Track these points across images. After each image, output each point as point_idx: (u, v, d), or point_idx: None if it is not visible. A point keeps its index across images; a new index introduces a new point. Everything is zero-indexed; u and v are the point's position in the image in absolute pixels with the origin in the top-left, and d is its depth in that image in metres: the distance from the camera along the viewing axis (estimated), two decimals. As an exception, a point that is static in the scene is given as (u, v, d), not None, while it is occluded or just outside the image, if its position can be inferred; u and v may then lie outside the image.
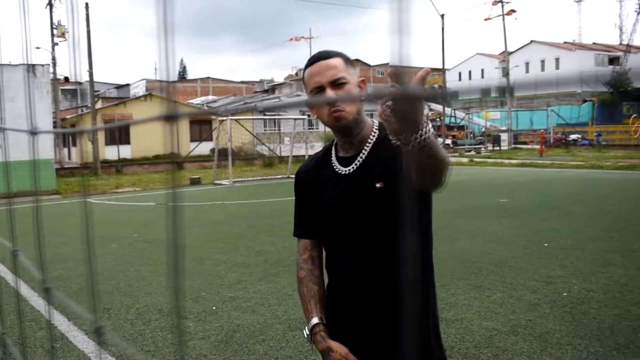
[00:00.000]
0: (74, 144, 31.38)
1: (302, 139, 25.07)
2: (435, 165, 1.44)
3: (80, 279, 6.42)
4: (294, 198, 2.00)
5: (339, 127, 1.76)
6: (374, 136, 1.81)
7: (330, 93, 1.71)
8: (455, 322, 4.68)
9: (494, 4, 36.31)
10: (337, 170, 1.83)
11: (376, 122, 1.84)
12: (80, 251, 7.84)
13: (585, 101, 44.66)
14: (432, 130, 1.34)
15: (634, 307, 4.91)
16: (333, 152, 1.89)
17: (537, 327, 4.50)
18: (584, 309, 4.92)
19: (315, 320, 1.84)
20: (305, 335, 1.88)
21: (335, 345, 1.79)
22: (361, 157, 1.80)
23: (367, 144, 1.80)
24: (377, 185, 1.73)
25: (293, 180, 2.02)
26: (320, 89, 1.73)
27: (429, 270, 1.82)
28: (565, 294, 5.35)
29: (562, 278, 5.85)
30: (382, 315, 1.75)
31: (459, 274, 6.10)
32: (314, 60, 1.76)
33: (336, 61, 1.75)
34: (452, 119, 42.29)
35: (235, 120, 24.17)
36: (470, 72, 67.28)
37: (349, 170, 1.80)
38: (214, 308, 5.21)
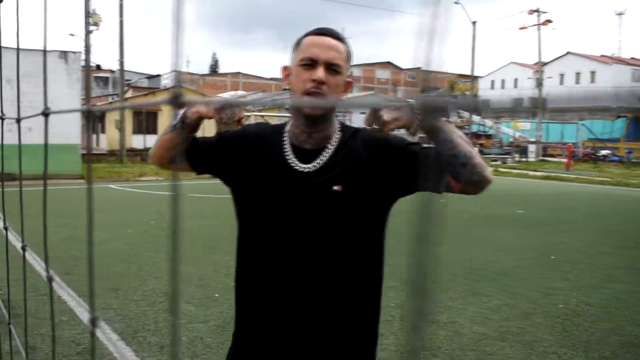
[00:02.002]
0: (103, 131, 32.03)
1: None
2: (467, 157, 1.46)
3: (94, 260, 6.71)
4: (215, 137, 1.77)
5: (313, 114, 1.60)
6: (337, 137, 1.66)
7: (320, 71, 1.56)
8: (446, 325, 4.84)
9: (530, 13, 36.07)
10: (290, 162, 1.64)
11: (338, 124, 1.70)
12: (95, 234, 8.16)
13: (619, 117, 44.08)
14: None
15: (628, 323, 5.01)
16: (286, 136, 1.69)
17: (526, 335, 4.64)
18: (577, 321, 5.04)
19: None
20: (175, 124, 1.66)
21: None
22: (323, 157, 1.63)
23: (331, 144, 1.65)
24: (335, 188, 1.59)
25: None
26: (313, 64, 1.57)
27: (379, 285, 1.73)
28: (561, 305, 5.46)
29: (562, 290, 5.96)
30: (324, 334, 1.61)
31: (460, 279, 6.25)
32: (323, 32, 1.61)
33: (342, 47, 1.61)
34: (481, 127, 42.09)
35: (261, 116, 24.46)
36: (503, 80, 66.76)
37: (308, 168, 1.63)
38: (216, 295, 5.44)
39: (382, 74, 71.31)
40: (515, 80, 64.01)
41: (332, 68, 1.57)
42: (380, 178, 1.62)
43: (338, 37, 1.61)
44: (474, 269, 6.78)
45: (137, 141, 30.22)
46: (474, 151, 1.50)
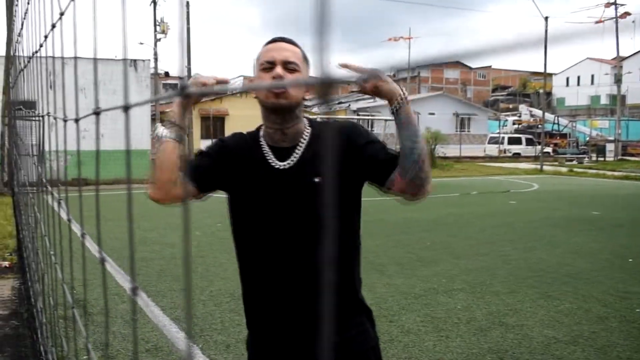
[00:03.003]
0: (172, 136, 33.03)
1: (394, 142, 25.17)
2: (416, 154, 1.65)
3: (163, 261, 6.97)
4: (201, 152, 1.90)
5: (278, 106, 1.71)
6: (308, 132, 1.80)
7: (279, 70, 1.71)
8: (515, 328, 4.75)
9: (607, 6, 34.76)
10: (271, 162, 1.77)
11: (306, 120, 1.85)
12: (166, 236, 8.46)
13: None
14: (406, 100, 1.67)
15: None
16: (263, 140, 1.82)
17: (599, 340, 4.50)
18: (655, 326, 4.84)
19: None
20: (160, 134, 1.70)
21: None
22: (298, 152, 1.77)
23: (303, 139, 1.78)
24: (316, 180, 1.69)
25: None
26: (272, 65, 1.72)
27: (358, 257, 1.85)
28: (638, 310, 5.26)
29: (638, 295, 5.73)
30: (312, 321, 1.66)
31: (530, 282, 6.11)
32: (275, 39, 1.78)
33: (295, 49, 1.77)
34: (554, 126, 40.89)
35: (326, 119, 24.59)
36: (579, 77, 64.62)
37: (287, 164, 1.76)
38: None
39: (451, 74, 70.35)
40: (592, 76, 61.78)
41: (289, 67, 1.72)
42: (347, 166, 1.70)
43: (290, 42, 1.78)
44: (545, 271, 6.62)
45: (205, 146, 30.97)
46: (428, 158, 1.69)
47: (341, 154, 1.69)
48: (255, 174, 1.77)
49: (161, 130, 1.70)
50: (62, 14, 1.28)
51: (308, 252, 1.69)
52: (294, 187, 1.72)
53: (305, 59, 1.79)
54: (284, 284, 1.74)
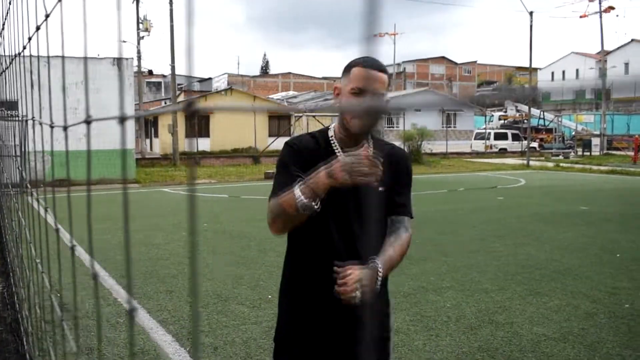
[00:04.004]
0: (156, 135, 32.84)
1: (381, 137, 25.15)
2: None
3: (149, 262, 6.92)
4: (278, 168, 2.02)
5: (360, 133, 1.95)
6: (371, 142, 2.02)
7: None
8: (504, 326, 4.77)
9: (591, 0, 35.00)
10: None
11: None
12: (152, 237, 8.40)
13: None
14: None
15: (700, 323, 4.83)
16: (335, 144, 2.02)
17: (589, 336, 4.53)
18: (644, 321, 4.88)
19: (296, 187, 1.82)
20: (307, 203, 1.79)
21: (331, 164, 1.77)
22: None
23: (369, 144, 1.98)
24: (380, 189, 1.92)
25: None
26: (360, 93, 1.89)
27: None
28: (627, 305, 5.31)
29: (627, 290, 5.78)
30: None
31: (518, 279, 6.15)
32: (376, 67, 1.89)
33: (385, 78, 1.91)
34: (540, 121, 41.15)
35: (313, 116, 24.64)
36: (563, 71, 65.13)
37: None
38: (269, 297, 5.52)
39: (437, 69, 70.58)
40: (577, 70, 62.27)
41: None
42: (388, 182, 1.98)
43: (381, 70, 1.91)
44: (534, 267, 6.65)
45: (190, 144, 30.80)
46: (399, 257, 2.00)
47: (394, 170, 1.99)
48: None
49: (302, 199, 1.78)
50: (47, 15, 1.25)
51: (365, 246, 1.93)
52: (364, 191, 1.87)
53: (389, 82, 1.96)
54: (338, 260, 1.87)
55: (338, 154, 1.96)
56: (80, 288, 5.56)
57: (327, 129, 2.06)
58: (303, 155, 1.96)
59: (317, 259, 1.98)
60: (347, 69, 1.94)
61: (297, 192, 1.78)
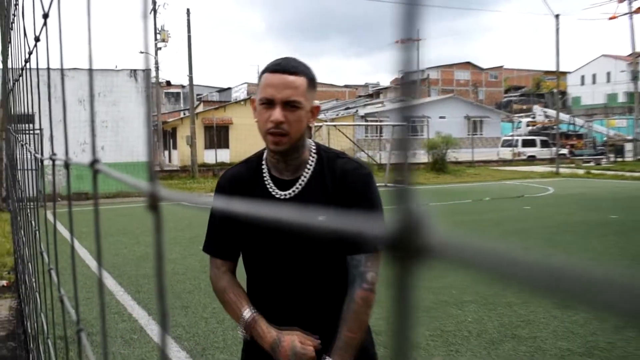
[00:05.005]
0: (175, 147, 33.18)
1: (395, 147, 25.04)
2: None
3: (164, 277, 6.99)
4: (214, 210, 1.86)
5: (278, 151, 1.71)
6: (313, 160, 1.79)
7: (277, 112, 1.64)
8: (527, 340, 4.74)
9: (620, 1, 34.66)
10: (272, 192, 1.78)
11: (313, 143, 1.83)
12: (169, 251, 8.49)
13: None
14: None
15: None
16: (265, 168, 1.82)
17: (616, 351, 4.48)
18: (675, 335, 4.81)
19: (247, 311, 1.75)
20: (242, 334, 1.77)
21: (283, 333, 1.70)
22: (301, 183, 1.77)
23: (307, 168, 1.78)
24: (320, 218, 1.69)
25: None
26: (270, 104, 1.66)
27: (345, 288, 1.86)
28: (657, 318, 5.23)
29: (658, 302, 5.70)
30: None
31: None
32: (277, 68, 1.68)
33: (299, 81, 1.67)
34: (570, 127, 40.76)
35: (334, 125, 24.69)
36: (594, 75, 64.44)
37: (289, 194, 1.76)
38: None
39: (462, 75, 70.30)
40: (608, 74, 61.61)
41: (289, 105, 1.66)
42: (340, 209, 1.74)
43: (295, 71, 1.67)
44: (560, 280, 6.59)
45: (209, 156, 31.09)
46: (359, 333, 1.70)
47: (336, 198, 1.74)
48: (257, 202, 1.73)
49: (242, 330, 1.76)
50: (45, 18, 1.30)
51: (308, 280, 1.76)
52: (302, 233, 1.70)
53: (310, 85, 1.71)
54: (288, 309, 1.78)
55: (266, 180, 1.80)
56: (96, 304, 5.64)
57: (262, 152, 1.86)
58: (233, 193, 1.82)
59: (265, 295, 1.82)
60: (260, 76, 1.73)
61: (242, 321, 1.74)
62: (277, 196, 1.76)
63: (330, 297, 1.78)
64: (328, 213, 1.58)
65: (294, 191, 1.76)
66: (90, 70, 0.80)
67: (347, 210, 1.70)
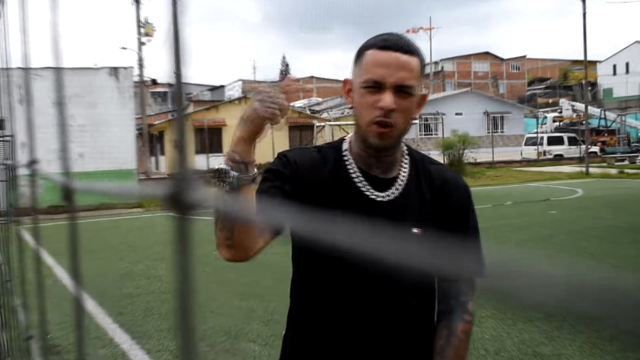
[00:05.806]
0: (162, 153, 33.28)
1: (415, 146, 25.16)
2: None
3: (150, 297, 7.04)
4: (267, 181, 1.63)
5: (382, 147, 1.56)
6: (406, 161, 1.66)
7: (388, 98, 1.49)
8: (551, 358, 4.77)
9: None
10: (364, 190, 1.60)
11: (403, 145, 1.69)
12: (154, 268, 8.54)
13: None
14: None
15: None
16: (350, 160, 1.64)
17: (648, 368, 4.50)
18: None
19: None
20: (227, 167, 1.49)
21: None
22: (400, 185, 1.62)
23: (403, 169, 1.64)
24: (415, 230, 1.57)
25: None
26: (378, 87, 1.50)
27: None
28: (694, 332, 5.25)
29: (695, 314, 5.72)
30: None
31: (569, 305, 6.11)
32: (389, 44, 1.52)
33: (414, 62, 1.53)
34: (602, 122, 40.75)
35: (338, 125, 24.79)
36: (627, 64, 64.34)
37: (387, 196, 1.61)
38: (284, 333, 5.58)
39: (480, 67, 70.33)
40: (643, 62, 61.52)
41: (402, 90, 1.51)
42: (439, 223, 1.64)
43: (411, 51, 1.53)
44: (588, 291, 6.61)
45: (200, 161, 31.13)
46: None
47: (437, 206, 1.64)
48: (342, 199, 1.59)
49: (229, 172, 1.48)
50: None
51: (394, 306, 1.61)
52: (392, 228, 1.51)
53: (423, 69, 1.58)
54: (365, 341, 1.60)
55: (354, 176, 1.61)
56: (72, 328, 5.69)
57: (340, 141, 1.69)
58: (298, 171, 1.60)
59: (335, 318, 1.64)
60: (359, 53, 1.57)
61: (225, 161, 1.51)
62: (372, 197, 1.59)
63: (417, 329, 1.64)
64: (427, 226, 1.60)
65: (393, 193, 1.61)
66: (57, 60, 0.84)
67: (448, 226, 1.63)
